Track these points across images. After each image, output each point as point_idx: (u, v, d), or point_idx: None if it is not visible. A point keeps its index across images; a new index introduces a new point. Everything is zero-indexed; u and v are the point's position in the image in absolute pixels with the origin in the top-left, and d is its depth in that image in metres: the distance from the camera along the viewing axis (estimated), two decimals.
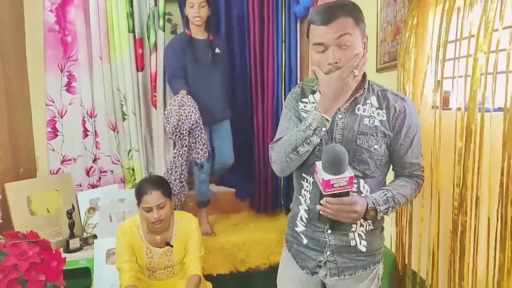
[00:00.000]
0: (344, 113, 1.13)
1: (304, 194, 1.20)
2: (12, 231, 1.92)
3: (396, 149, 1.15)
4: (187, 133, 2.33)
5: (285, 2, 2.77)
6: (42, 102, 2.49)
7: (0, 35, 2.23)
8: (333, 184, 0.99)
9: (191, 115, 2.28)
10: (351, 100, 1.12)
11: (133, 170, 2.65)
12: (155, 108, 2.65)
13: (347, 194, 1.03)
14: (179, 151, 2.37)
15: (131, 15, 2.51)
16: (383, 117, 1.12)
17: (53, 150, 2.51)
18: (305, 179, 1.18)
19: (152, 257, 1.79)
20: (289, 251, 1.30)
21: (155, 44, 2.59)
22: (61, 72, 2.51)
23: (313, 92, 1.19)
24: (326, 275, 1.21)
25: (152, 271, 1.84)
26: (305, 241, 1.22)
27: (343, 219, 1.05)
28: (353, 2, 1.07)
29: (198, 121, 2.32)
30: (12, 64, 2.35)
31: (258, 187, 2.85)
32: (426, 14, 1.53)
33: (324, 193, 1.01)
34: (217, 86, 2.53)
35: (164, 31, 2.61)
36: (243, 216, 2.82)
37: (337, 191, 1.01)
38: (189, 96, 2.33)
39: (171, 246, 1.80)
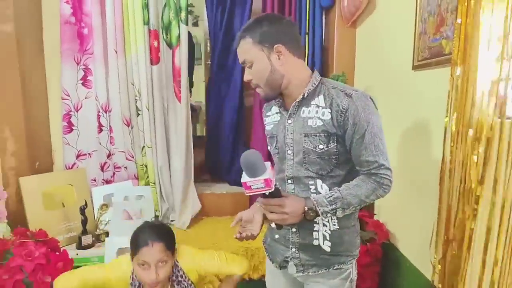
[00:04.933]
0: (292, 118, 1.19)
1: None
2: (22, 228, 1.92)
3: (351, 148, 1.14)
4: None
5: None
6: (58, 96, 2.47)
7: (17, 27, 2.20)
8: (250, 185, 1.03)
9: None
10: (294, 106, 1.18)
11: (146, 167, 2.60)
12: (180, 102, 2.58)
13: (278, 195, 1.08)
14: None
15: (146, 6, 2.43)
16: (328, 116, 1.13)
17: (69, 145, 2.49)
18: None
19: None
20: (263, 243, 1.39)
21: (178, 39, 2.52)
22: (77, 66, 2.47)
23: (277, 104, 1.26)
24: (295, 270, 1.26)
25: None
26: (277, 236, 1.29)
27: (278, 220, 1.09)
28: (257, 18, 1.15)
29: None
30: (29, 57, 2.33)
31: None
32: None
33: (246, 194, 1.06)
34: None
35: (186, 24, 2.52)
36: None
37: (256, 192, 1.04)
38: None
39: None
